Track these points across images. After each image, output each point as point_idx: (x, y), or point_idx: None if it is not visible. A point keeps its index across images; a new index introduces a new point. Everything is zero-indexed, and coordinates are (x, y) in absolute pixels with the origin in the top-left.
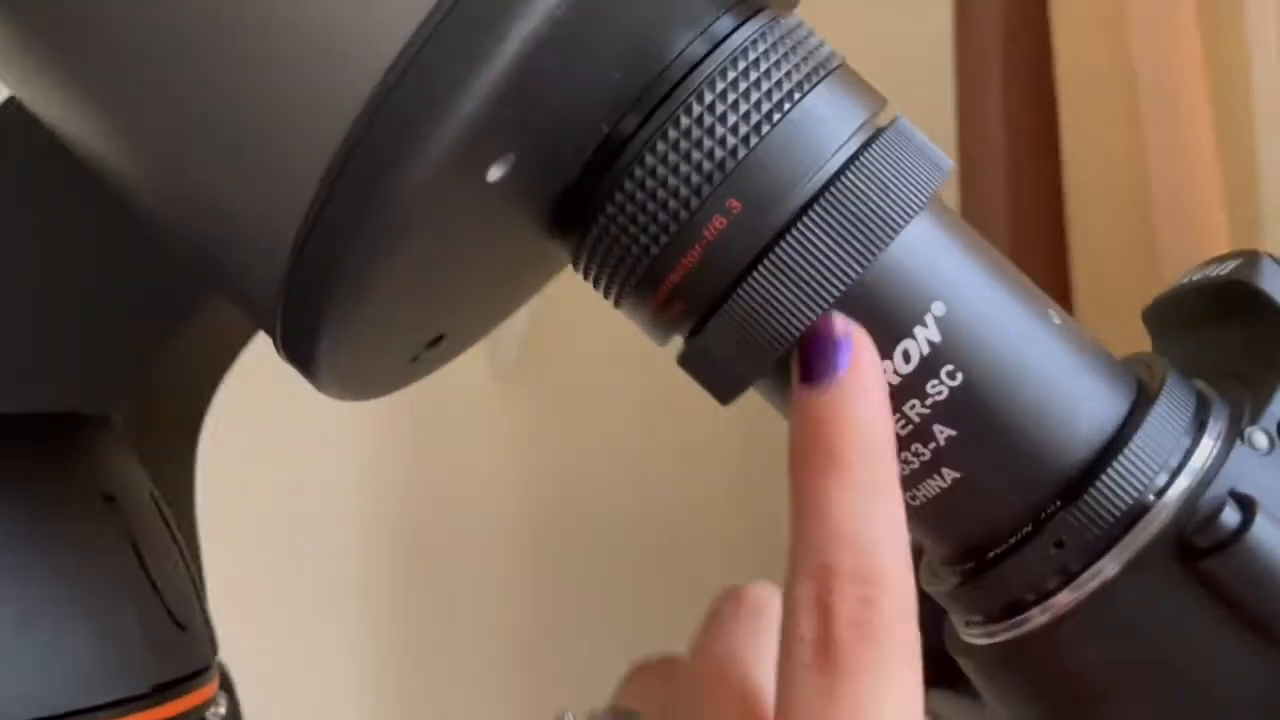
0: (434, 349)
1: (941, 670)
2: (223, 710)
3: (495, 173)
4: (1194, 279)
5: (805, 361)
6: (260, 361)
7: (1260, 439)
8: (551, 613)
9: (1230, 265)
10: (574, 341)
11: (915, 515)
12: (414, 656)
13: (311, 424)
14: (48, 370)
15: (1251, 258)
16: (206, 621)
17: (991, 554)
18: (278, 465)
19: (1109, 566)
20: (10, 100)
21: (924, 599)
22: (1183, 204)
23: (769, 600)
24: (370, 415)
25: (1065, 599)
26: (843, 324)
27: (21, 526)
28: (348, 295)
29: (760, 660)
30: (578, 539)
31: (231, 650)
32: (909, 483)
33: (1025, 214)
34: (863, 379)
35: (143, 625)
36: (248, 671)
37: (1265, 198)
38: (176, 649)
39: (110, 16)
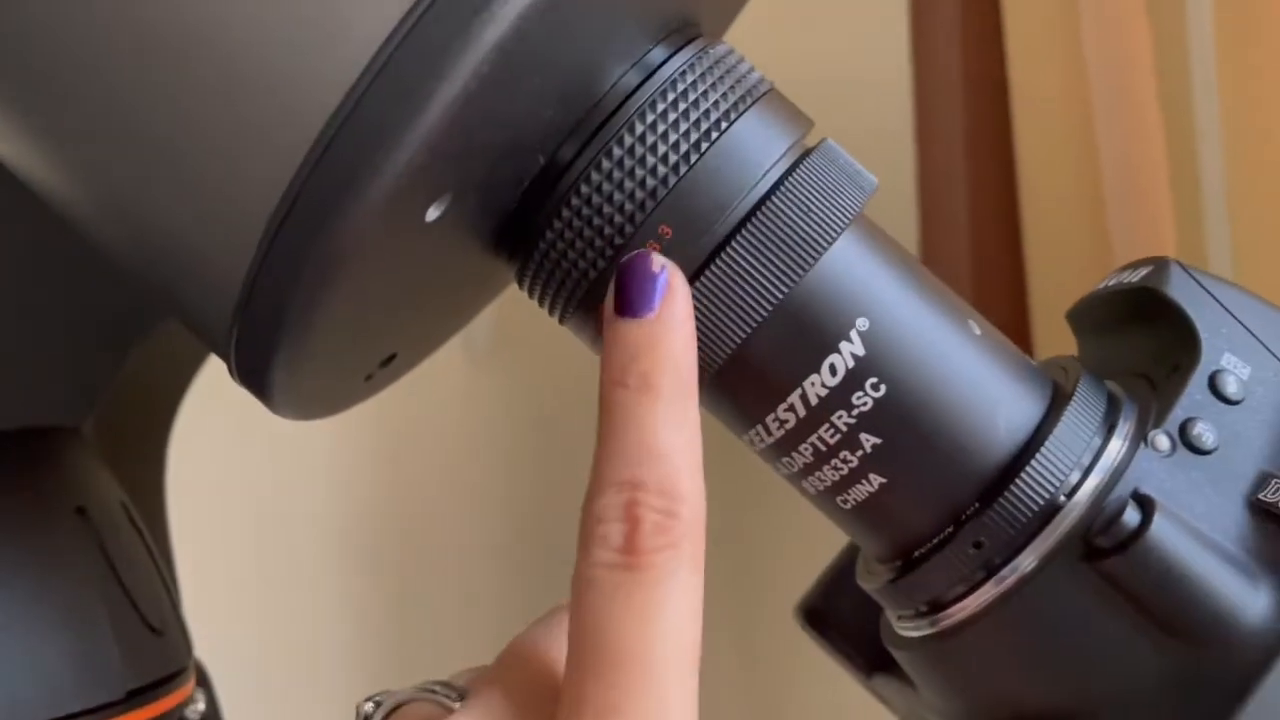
0: (386, 367)
1: (886, 655)
2: (201, 707)
3: (433, 212)
4: (1110, 284)
5: (623, 293)
6: None
7: (1163, 441)
8: (533, 595)
9: (1142, 271)
10: (549, 323)
11: (846, 518)
12: (392, 645)
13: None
14: (14, 386)
15: (1161, 265)
16: (180, 623)
17: (917, 553)
18: (252, 451)
19: (1024, 563)
20: None
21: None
22: (1132, 201)
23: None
24: (349, 412)
25: (983, 594)
26: (659, 260)
27: None
28: (297, 328)
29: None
30: (557, 521)
31: (208, 644)
32: (839, 488)
33: (984, 221)
34: (677, 312)
35: (116, 632)
36: (227, 665)
37: (1206, 193)
38: (151, 653)
39: (62, 59)
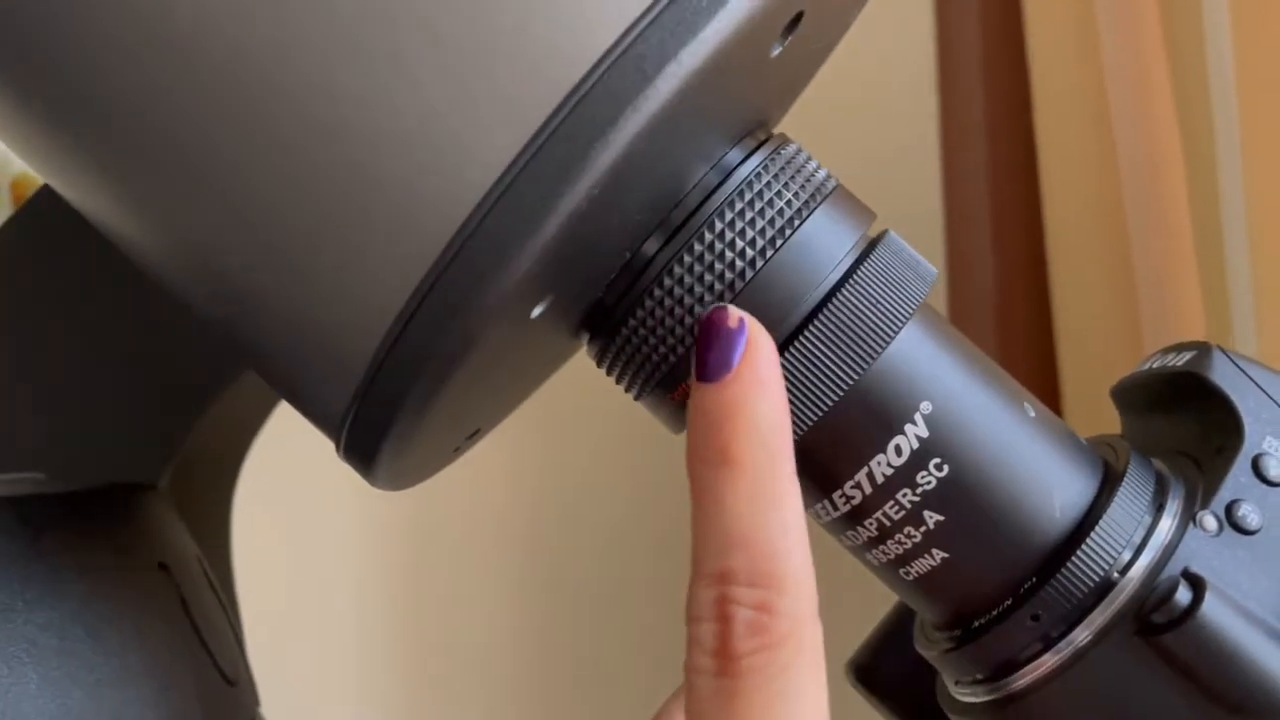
0: (472, 439)
1: (937, 717)
2: None
3: (538, 310)
4: (1154, 366)
5: (700, 354)
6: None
7: (1210, 522)
8: (550, 607)
9: (1186, 356)
10: None
11: (908, 589)
12: (413, 657)
13: (304, 436)
14: (101, 443)
15: (1204, 350)
16: (249, 675)
17: (977, 624)
18: (268, 465)
19: (1080, 636)
20: (46, 186)
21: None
22: (1152, 206)
23: None
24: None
25: (1041, 664)
26: (736, 315)
27: (90, 599)
28: (413, 414)
29: None
30: (574, 534)
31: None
32: (902, 561)
33: (1010, 258)
34: (757, 372)
35: (198, 684)
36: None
37: (1224, 196)
38: (229, 705)
39: (199, 141)
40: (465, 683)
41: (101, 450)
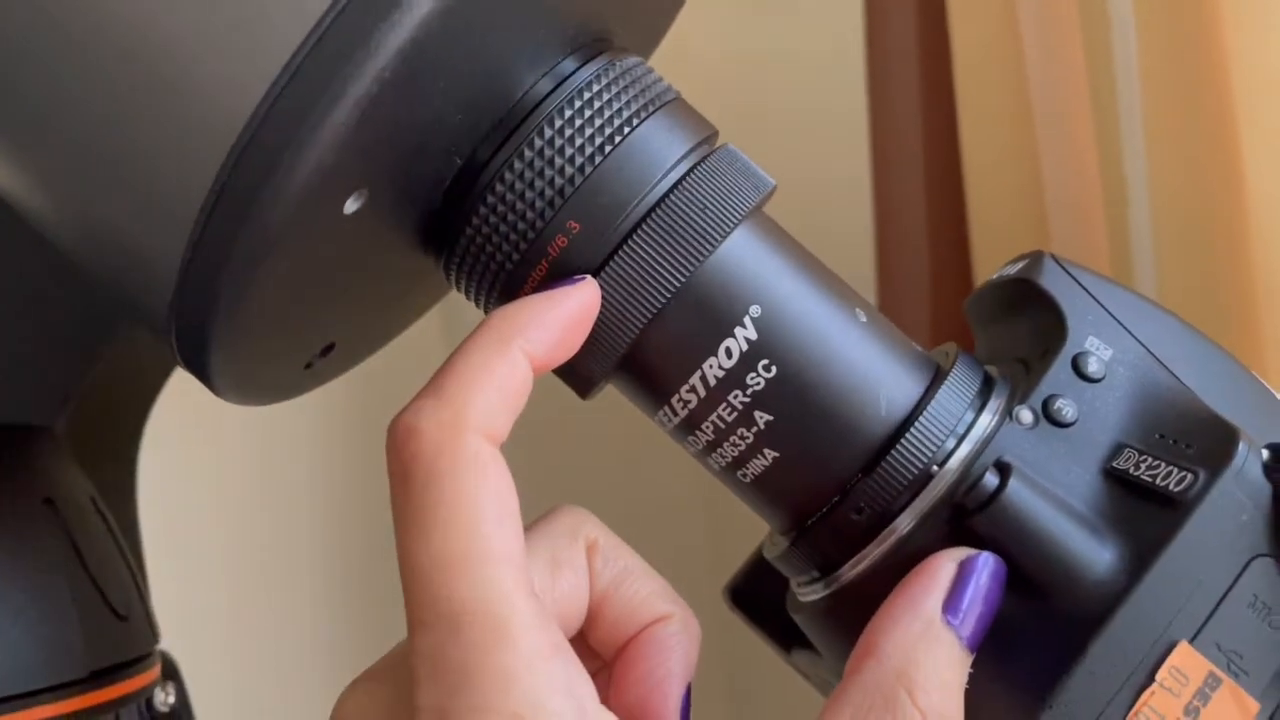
0: (326, 357)
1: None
2: (172, 699)
3: (351, 206)
4: (994, 278)
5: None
6: None
7: (1026, 415)
8: None
9: (1020, 265)
10: None
11: (746, 491)
12: (376, 641)
13: (270, 421)
14: None
15: (1036, 257)
16: (147, 612)
17: (810, 521)
18: (235, 441)
19: (902, 524)
20: None
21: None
22: (1070, 209)
23: None
24: (328, 392)
25: (867, 556)
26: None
27: None
28: (228, 312)
29: None
30: (542, 509)
31: (183, 643)
32: (738, 463)
33: (937, 214)
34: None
35: (81, 615)
36: (200, 662)
37: (1132, 205)
38: (116, 637)
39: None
40: None
41: None
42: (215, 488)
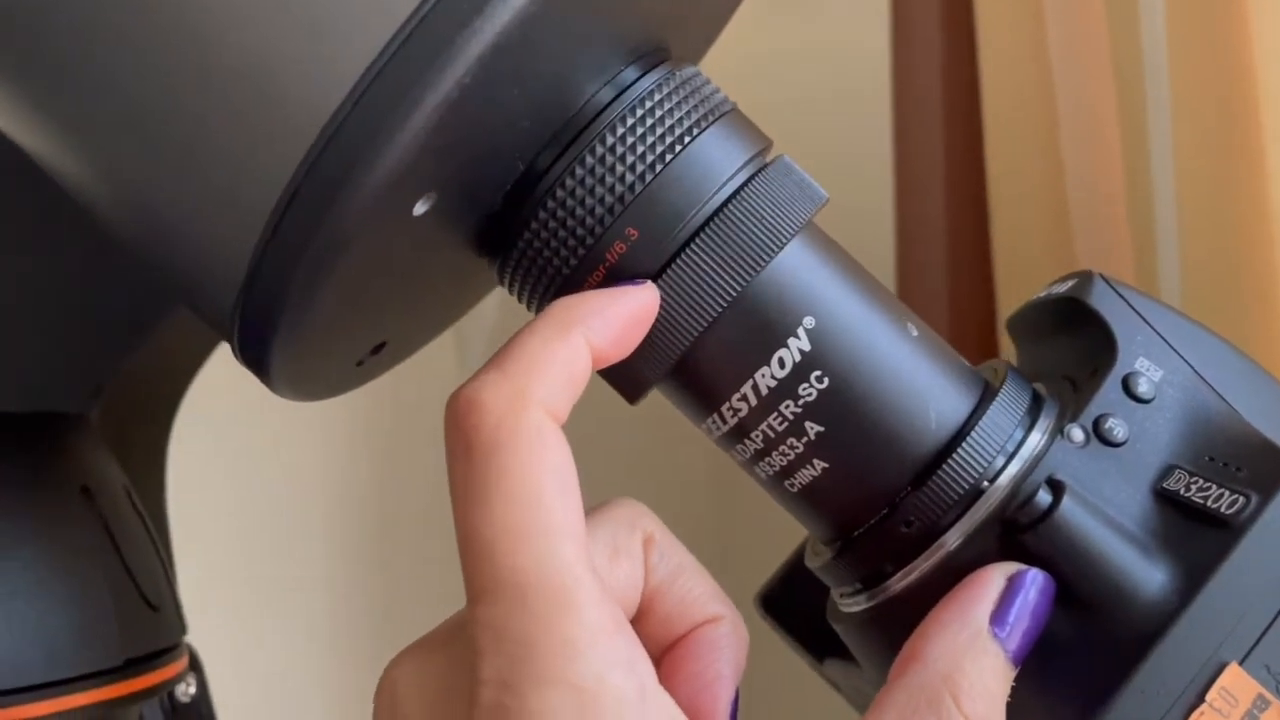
0: (377, 355)
1: (835, 641)
2: (193, 690)
3: (420, 208)
4: (1041, 296)
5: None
6: (230, 358)
7: (1078, 434)
8: None
9: (1069, 284)
10: None
11: (793, 501)
12: (382, 650)
13: (282, 417)
14: (25, 372)
15: (1085, 277)
16: (176, 603)
17: (856, 533)
18: (247, 458)
19: (950, 540)
20: None
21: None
22: (1092, 208)
23: None
24: (341, 408)
25: (915, 569)
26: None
27: (3, 515)
28: (295, 309)
29: None
30: None
31: (204, 635)
32: (786, 472)
33: (959, 226)
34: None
35: (117, 604)
36: (219, 655)
37: (1158, 203)
38: (149, 627)
39: (84, 53)
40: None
41: (29, 378)
42: (225, 481)
